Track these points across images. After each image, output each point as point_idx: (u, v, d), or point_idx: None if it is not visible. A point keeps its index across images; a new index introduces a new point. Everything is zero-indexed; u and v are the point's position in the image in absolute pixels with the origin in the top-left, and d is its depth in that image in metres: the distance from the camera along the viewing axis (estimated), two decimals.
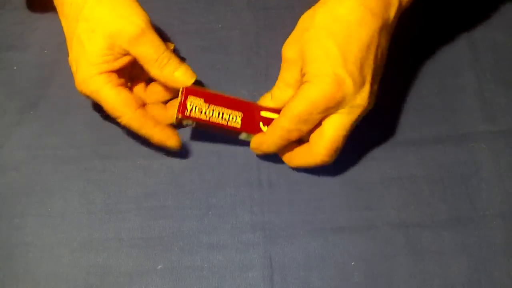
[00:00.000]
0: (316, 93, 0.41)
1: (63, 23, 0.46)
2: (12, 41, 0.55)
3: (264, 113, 0.46)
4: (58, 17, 0.47)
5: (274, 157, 0.49)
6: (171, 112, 0.48)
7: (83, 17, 0.44)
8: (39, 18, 0.56)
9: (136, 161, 0.49)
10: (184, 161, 0.49)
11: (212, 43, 0.55)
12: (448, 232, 0.46)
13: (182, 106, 0.44)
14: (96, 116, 0.51)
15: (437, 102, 0.52)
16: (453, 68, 0.53)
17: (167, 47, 0.46)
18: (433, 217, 0.47)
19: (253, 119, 0.46)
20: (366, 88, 0.41)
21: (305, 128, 0.42)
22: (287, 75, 0.44)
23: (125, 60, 0.45)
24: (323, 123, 0.43)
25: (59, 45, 0.54)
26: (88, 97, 0.45)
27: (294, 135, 0.43)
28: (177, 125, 0.47)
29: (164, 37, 0.54)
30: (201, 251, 0.46)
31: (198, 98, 0.45)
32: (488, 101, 0.52)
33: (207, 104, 0.45)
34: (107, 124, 0.51)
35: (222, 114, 0.45)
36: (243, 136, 0.47)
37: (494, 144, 0.50)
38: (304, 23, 0.43)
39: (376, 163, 0.49)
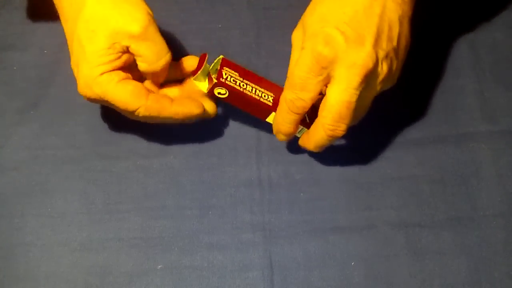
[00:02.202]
0: (306, 54, 0.41)
1: (64, 27, 0.45)
2: (12, 41, 0.55)
3: None
4: (58, 17, 0.46)
5: (274, 157, 0.49)
6: (191, 85, 0.48)
7: (83, 18, 0.42)
8: (39, 18, 0.56)
9: (136, 161, 0.49)
10: (184, 161, 0.49)
11: (212, 43, 0.55)
12: (448, 232, 0.46)
13: (218, 74, 0.44)
14: (96, 116, 0.51)
15: (437, 102, 0.52)
16: (453, 68, 0.53)
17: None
18: (433, 217, 0.47)
19: None
20: (367, 48, 0.40)
21: (306, 96, 0.42)
22: (294, 58, 0.44)
23: (127, 57, 0.44)
24: (326, 91, 0.42)
25: (59, 45, 0.54)
26: (93, 100, 0.44)
27: (299, 105, 0.42)
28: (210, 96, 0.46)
29: (164, 37, 0.54)
30: (201, 251, 0.46)
31: (233, 71, 0.45)
32: (488, 101, 0.52)
33: (242, 78, 0.45)
34: (107, 124, 0.51)
35: (255, 90, 0.45)
36: (269, 118, 0.46)
37: (494, 144, 0.50)
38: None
39: (376, 163, 0.49)
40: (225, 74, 0.45)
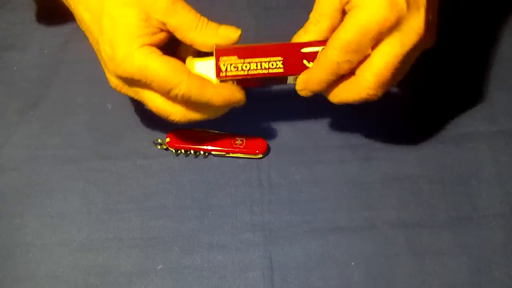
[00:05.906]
0: (367, 15, 0.37)
1: (84, 14, 0.42)
2: (12, 41, 0.55)
3: (305, 49, 0.42)
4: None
5: (273, 157, 0.49)
6: None
7: None
8: (39, 18, 0.56)
9: (136, 161, 0.49)
10: (184, 161, 0.49)
11: None
12: (448, 232, 0.46)
13: (217, 69, 0.42)
14: (96, 116, 0.51)
15: (437, 102, 0.52)
16: (453, 69, 0.53)
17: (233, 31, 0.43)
18: (433, 217, 0.47)
19: (295, 59, 0.42)
20: (421, 14, 0.38)
21: (355, 58, 0.39)
22: (324, 3, 0.41)
23: (162, 36, 0.41)
24: (373, 52, 0.39)
25: (59, 45, 0.54)
26: (126, 80, 0.41)
27: (344, 68, 0.39)
28: None
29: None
30: (201, 251, 0.46)
31: (230, 57, 0.42)
32: (488, 101, 0.52)
33: (242, 60, 0.42)
34: (107, 124, 0.51)
35: (261, 64, 0.42)
36: (290, 80, 0.43)
37: (494, 144, 0.50)
38: None
39: (376, 163, 0.49)
40: (224, 65, 0.42)
